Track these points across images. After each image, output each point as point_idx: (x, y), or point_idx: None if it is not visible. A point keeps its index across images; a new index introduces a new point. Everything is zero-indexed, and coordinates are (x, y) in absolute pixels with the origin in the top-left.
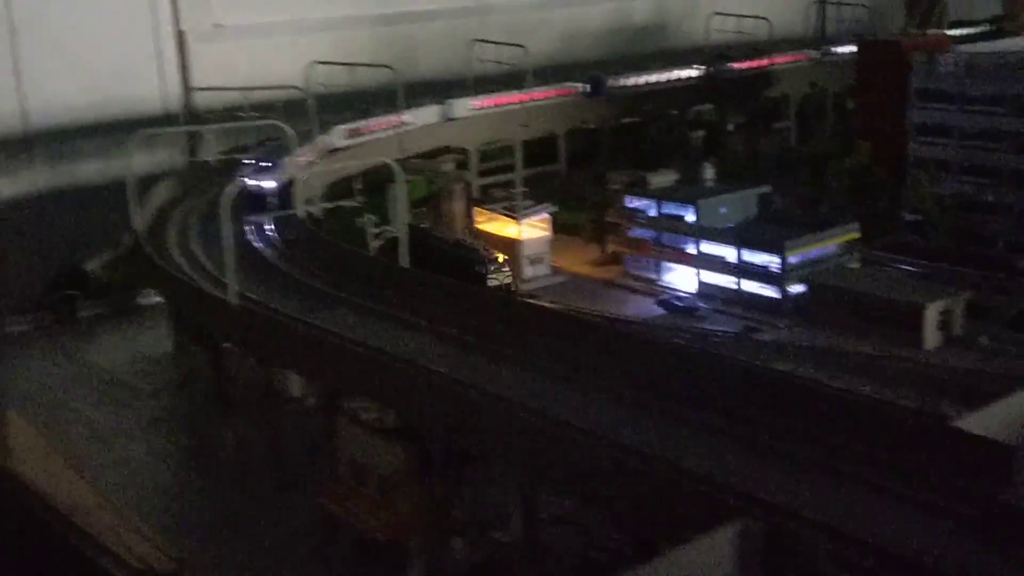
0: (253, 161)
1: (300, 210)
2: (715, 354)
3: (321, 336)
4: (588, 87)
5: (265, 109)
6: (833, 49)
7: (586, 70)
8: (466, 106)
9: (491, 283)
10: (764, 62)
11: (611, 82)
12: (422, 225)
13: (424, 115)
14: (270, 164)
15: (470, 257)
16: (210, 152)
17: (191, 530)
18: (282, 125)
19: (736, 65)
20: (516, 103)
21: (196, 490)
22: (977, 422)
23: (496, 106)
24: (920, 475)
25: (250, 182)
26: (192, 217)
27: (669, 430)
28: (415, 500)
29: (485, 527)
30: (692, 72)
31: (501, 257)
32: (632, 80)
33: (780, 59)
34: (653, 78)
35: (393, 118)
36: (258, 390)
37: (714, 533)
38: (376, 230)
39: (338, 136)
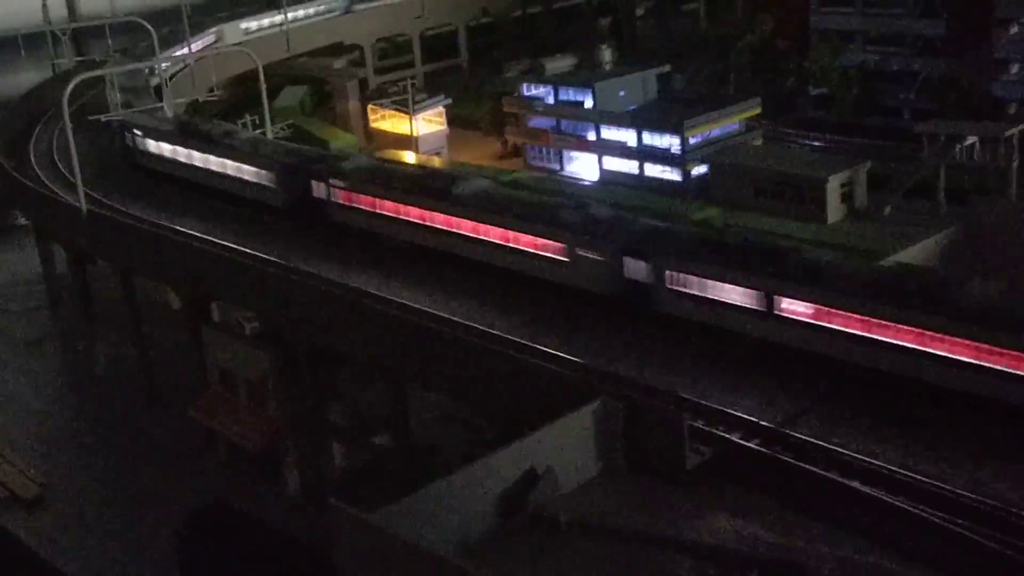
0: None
1: (169, 109)
2: None
3: (177, 240)
4: None
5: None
6: None
7: None
8: None
9: None
10: None
11: None
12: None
13: None
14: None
15: None
16: (69, 56)
17: (60, 452)
18: (144, 23)
19: None
20: None
21: (66, 411)
22: None
23: None
24: None
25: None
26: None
27: (524, 317)
28: (285, 405)
29: (366, 431)
30: None
31: None
32: None
33: None
34: None
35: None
36: (134, 306)
37: (575, 413)
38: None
39: (210, 37)
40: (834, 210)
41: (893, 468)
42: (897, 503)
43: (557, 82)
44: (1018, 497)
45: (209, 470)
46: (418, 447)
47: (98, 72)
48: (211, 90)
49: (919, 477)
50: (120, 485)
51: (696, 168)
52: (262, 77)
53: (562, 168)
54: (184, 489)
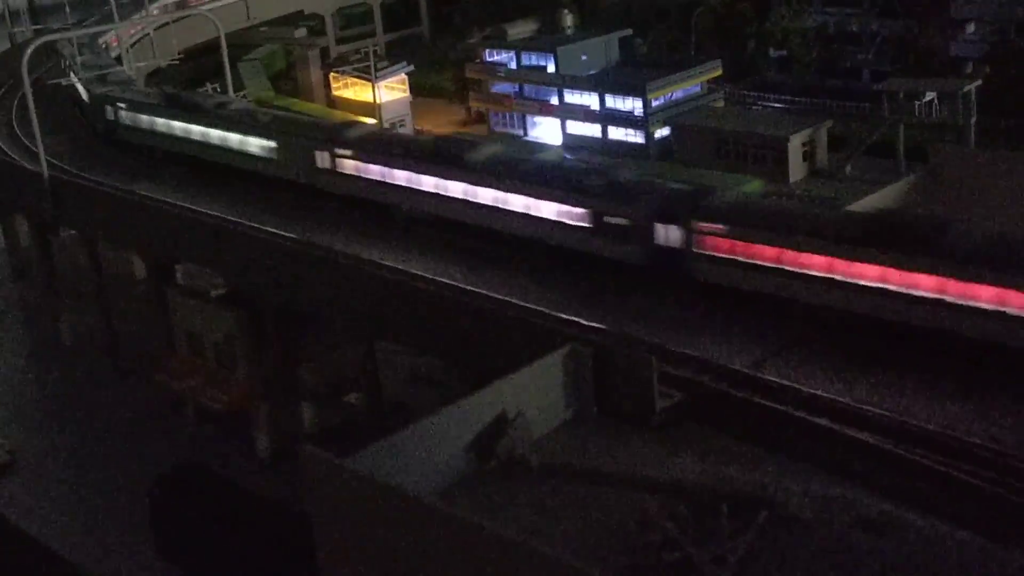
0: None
1: (132, 71)
2: None
3: (141, 203)
4: None
5: None
6: None
7: None
8: None
9: None
10: None
11: None
12: None
13: None
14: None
15: None
16: (26, 27)
17: (27, 421)
18: None
19: None
20: None
21: (32, 381)
22: None
23: None
24: None
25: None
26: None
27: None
28: (253, 366)
29: (337, 391)
30: None
31: None
32: None
33: None
34: None
35: None
36: (98, 275)
37: (544, 359)
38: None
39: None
40: (796, 169)
41: (859, 405)
42: (863, 439)
43: (519, 47)
44: (981, 430)
45: (178, 434)
46: (388, 406)
47: (56, 36)
48: (174, 56)
49: (884, 413)
50: (89, 451)
51: (659, 130)
52: (224, 44)
53: (526, 133)
54: (153, 453)
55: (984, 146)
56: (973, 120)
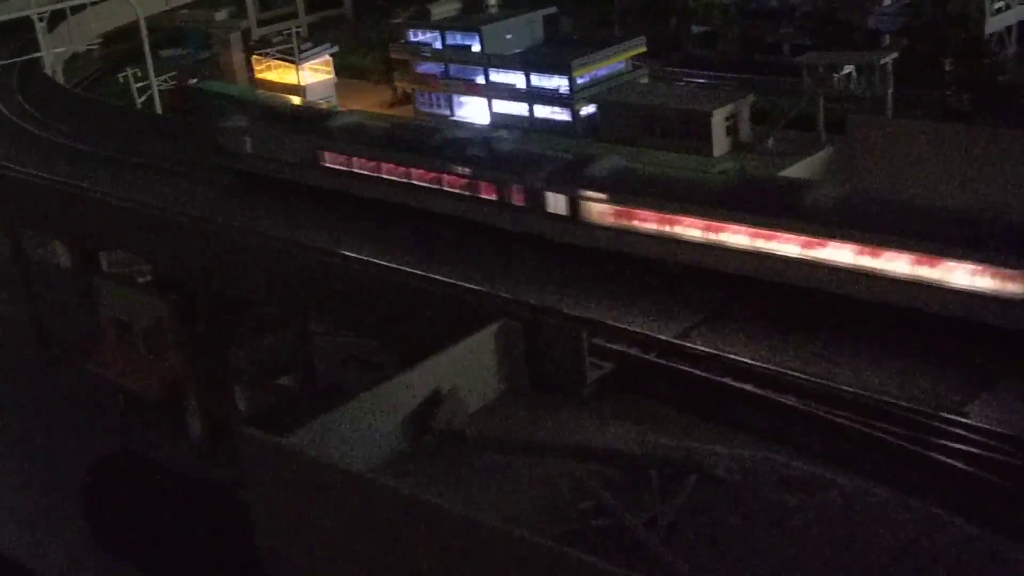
0: None
1: (48, 59)
2: None
3: (65, 190)
4: None
5: None
6: None
7: None
8: None
9: None
10: None
11: None
12: None
13: None
14: None
15: None
16: None
17: None
18: None
19: None
20: None
21: None
22: None
23: None
24: None
25: None
26: None
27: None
28: (183, 352)
29: (270, 374)
30: None
31: None
32: None
33: None
34: None
35: None
36: (22, 264)
37: (476, 334)
38: (139, 84)
39: None
40: (719, 143)
41: (782, 369)
42: (785, 401)
43: (444, 27)
44: (896, 388)
45: (109, 423)
46: (322, 388)
47: None
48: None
49: (806, 376)
50: (19, 442)
51: (585, 108)
52: (144, 28)
53: (452, 113)
54: (85, 442)
55: (901, 117)
56: (890, 91)
